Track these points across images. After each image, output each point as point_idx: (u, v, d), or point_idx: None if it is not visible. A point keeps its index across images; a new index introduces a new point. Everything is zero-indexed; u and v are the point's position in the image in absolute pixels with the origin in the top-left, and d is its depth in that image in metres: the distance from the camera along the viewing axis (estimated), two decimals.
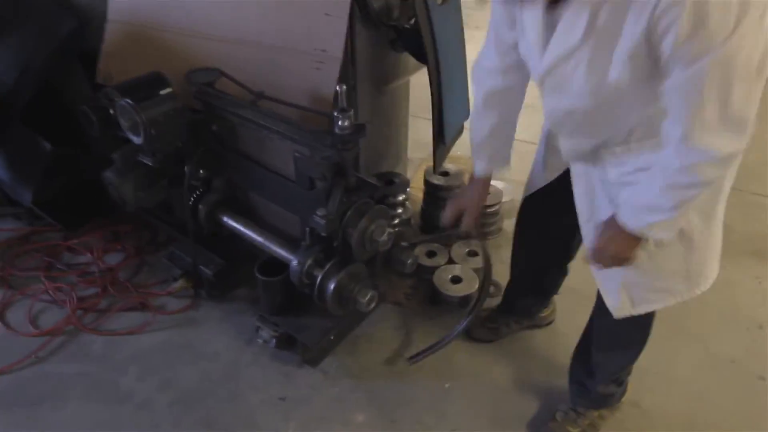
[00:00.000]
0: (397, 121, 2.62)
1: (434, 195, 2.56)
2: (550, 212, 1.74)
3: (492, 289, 2.41)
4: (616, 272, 1.43)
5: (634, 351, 1.72)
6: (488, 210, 2.61)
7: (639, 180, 1.31)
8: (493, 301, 2.26)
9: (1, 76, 2.47)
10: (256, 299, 2.26)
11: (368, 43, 2.16)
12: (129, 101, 1.81)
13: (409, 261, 1.94)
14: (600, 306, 1.59)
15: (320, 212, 1.70)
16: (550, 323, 2.25)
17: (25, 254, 2.55)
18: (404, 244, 1.97)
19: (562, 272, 2.04)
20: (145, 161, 1.96)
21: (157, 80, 1.97)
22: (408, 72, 2.43)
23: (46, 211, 2.56)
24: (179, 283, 2.30)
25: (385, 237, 1.78)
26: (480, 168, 1.67)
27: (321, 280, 1.79)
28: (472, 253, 2.49)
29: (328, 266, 1.79)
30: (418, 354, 2.05)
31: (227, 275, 2.26)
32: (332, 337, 2.13)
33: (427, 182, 2.57)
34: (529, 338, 2.23)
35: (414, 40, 2.15)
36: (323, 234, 1.75)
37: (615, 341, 1.68)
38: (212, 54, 2.17)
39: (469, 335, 2.21)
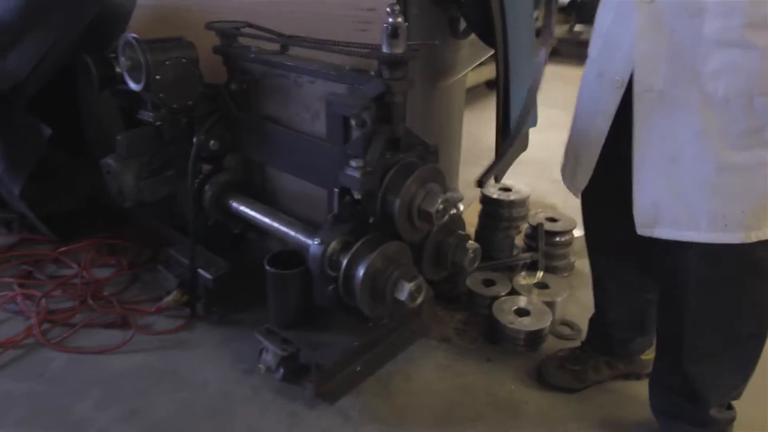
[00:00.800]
0: (450, 129, 2.23)
1: (492, 214, 2.10)
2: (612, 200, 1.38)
3: (569, 330, 1.87)
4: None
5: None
6: (557, 240, 2.12)
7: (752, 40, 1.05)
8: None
9: (14, 70, 2.26)
10: (265, 322, 1.76)
11: (423, 20, 1.84)
12: (134, 36, 1.49)
13: (470, 253, 1.44)
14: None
15: (355, 163, 1.27)
16: None
17: (5, 262, 2.16)
18: (461, 232, 1.49)
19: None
20: (145, 118, 1.59)
21: (176, 39, 1.67)
22: (468, 62, 2.08)
23: (38, 218, 2.21)
24: (172, 296, 1.84)
25: (439, 206, 1.31)
26: None
27: (348, 262, 1.31)
28: (541, 285, 1.97)
29: (357, 245, 1.32)
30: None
31: (230, 285, 1.79)
32: (358, 368, 1.59)
33: (485, 198, 2.12)
34: (623, 390, 1.64)
35: (479, 14, 1.82)
36: (357, 196, 1.31)
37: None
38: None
39: (543, 380, 1.64)
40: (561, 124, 4.39)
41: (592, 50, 1.42)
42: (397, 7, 1.22)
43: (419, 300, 1.32)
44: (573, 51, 6.54)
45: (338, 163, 1.36)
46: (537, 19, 2.24)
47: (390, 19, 1.21)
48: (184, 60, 1.57)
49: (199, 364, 1.72)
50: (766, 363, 1.36)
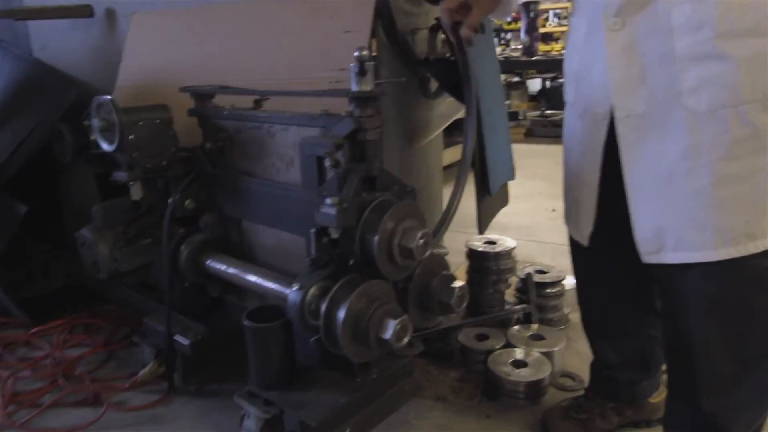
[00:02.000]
0: (430, 190, 2.24)
1: (479, 268, 2.05)
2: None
3: (571, 382, 1.77)
4: None
5: None
6: (549, 291, 2.07)
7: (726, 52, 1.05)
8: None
9: None
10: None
11: (395, 84, 1.89)
12: (109, 97, 1.50)
13: (457, 292, 1.38)
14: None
15: (330, 200, 1.24)
16: None
17: None
18: (446, 272, 1.43)
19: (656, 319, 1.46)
20: (119, 179, 1.57)
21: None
22: (442, 120, 2.12)
23: (12, 302, 2.13)
24: (148, 368, 1.74)
25: (419, 242, 1.27)
26: None
27: (328, 306, 1.25)
28: (537, 337, 1.89)
29: (336, 287, 1.26)
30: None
31: (209, 352, 1.69)
32: (348, 430, 1.47)
33: (471, 252, 2.08)
34: None
35: (448, 72, 1.88)
36: (335, 235, 1.27)
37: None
38: (221, 98, 1.93)
39: (547, 430, 1.52)
40: (542, 192, 4.48)
41: (568, 95, 1.43)
42: (364, 48, 1.25)
43: (406, 339, 1.25)
44: (545, 131, 6.84)
45: (314, 207, 1.33)
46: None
47: (357, 55, 1.23)
48: (157, 120, 1.58)
49: None
50: None
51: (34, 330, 2.08)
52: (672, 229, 1.18)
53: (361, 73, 1.28)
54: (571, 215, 1.46)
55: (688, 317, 1.22)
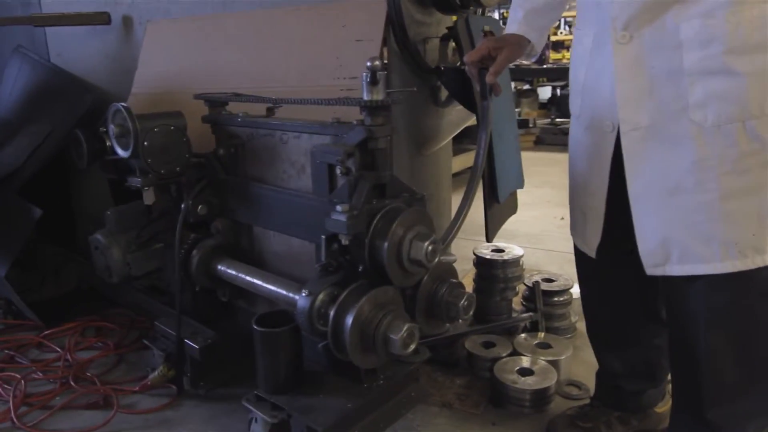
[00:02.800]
0: (439, 198, 2.25)
1: (487, 276, 2.06)
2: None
3: (577, 391, 1.77)
4: None
5: None
6: (556, 300, 2.07)
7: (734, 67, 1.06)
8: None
9: (9, 161, 2.33)
10: None
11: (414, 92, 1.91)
12: (124, 104, 1.53)
13: (464, 300, 1.39)
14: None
15: (340, 207, 1.26)
16: None
17: None
18: (454, 280, 1.44)
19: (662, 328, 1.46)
20: (133, 184, 1.60)
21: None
22: (452, 128, 2.14)
23: (25, 303, 2.16)
24: (158, 372, 1.75)
25: (428, 249, 1.29)
26: (513, 20, 1.43)
27: (336, 312, 1.26)
28: (544, 345, 1.89)
29: (345, 293, 1.28)
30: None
31: (218, 356, 1.71)
32: None
33: (478, 259, 2.09)
34: None
35: (458, 81, 1.90)
36: (345, 241, 1.28)
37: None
38: (234, 104, 1.96)
39: None
40: (551, 200, 4.47)
41: (574, 107, 1.43)
42: (376, 58, 1.27)
43: (412, 346, 1.26)
44: (555, 139, 6.84)
45: (325, 214, 1.34)
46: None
47: (369, 65, 1.25)
48: (172, 127, 1.60)
49: None
50: None
51: (47, 332, 2.11)
52: (678, 242, 1.19)
53: (373, 82, 1.30)
54: (577, 226, 1.47)
55: (693, 328, 1.23)
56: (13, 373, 1.88)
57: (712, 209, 1.14)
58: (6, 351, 2.04)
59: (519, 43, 1.43)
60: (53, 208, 2.39)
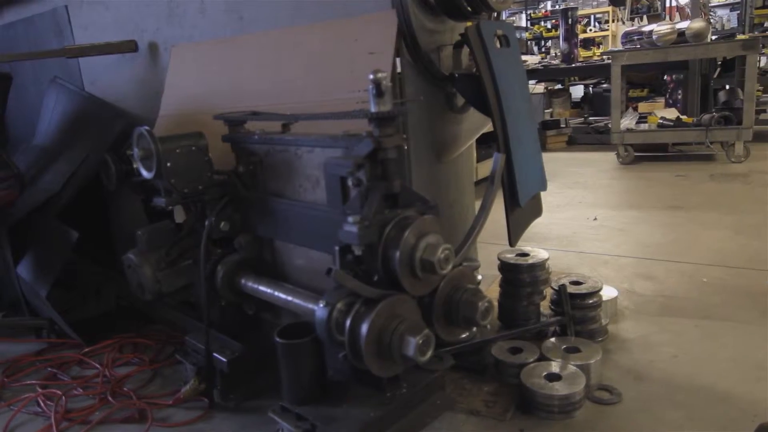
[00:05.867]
0: (461, 204, 2.25)
1: (512, 281, 2.04)
2: None
3: (608, 395, 1.74)
4: None
5: None
6: (585, 302, 2.03)
7: None
8: None
9: (48, 186, 2.44)
10: None
11: (422, 100, 1.93)
12: (147, 128, 1.60)
13: (481, 306, 1.39)
14: None
15: (352, 218, 1.28)
16: None
17: (30, 367, 2.18)
18: (471, 286, 1.44)
19: None
20: (158, 204, 1.66)
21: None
22: (470, 134, 2.14)
23: (65, 321, 2.26)
24: (189, 385, 1.81)
25: (440, 256, 1.29)
26: None
27: (352, 322, 1.28)
28: (572, 350, 1.86)
29: (359, 303, 1.29)
30: None
31: (246, 369, 1.75)
32: None
33: (502, 264, 2.07)
34: None
35: (473, 86, 1.90)
36: (358, 252, 1.31)
37: None
38: (254, 123, 2.01)
39: None
40: (583, 201, 4.40)
41: None
42: (379, 71, 1.29)
43: (429, 354, 1.26)
44: (588, 138, 6.72)
45: (339, 225, 1.37)
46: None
47: (372, 78, 1.27)
48: (193, 147, 1.66)
49: None
50: None
51: (87, 350, 2.20)
52: None
53: (379, 94, 1.32)
54: None
55: None
56: (55, 390, 1.96)
57: None
58: (49, 369, 2.14)
59: None
60: (93, 228, 2.51)
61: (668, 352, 1.98)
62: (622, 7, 9.75)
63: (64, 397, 1.89)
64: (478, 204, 2.37)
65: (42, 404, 1.90)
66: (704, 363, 1.89)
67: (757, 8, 9.50)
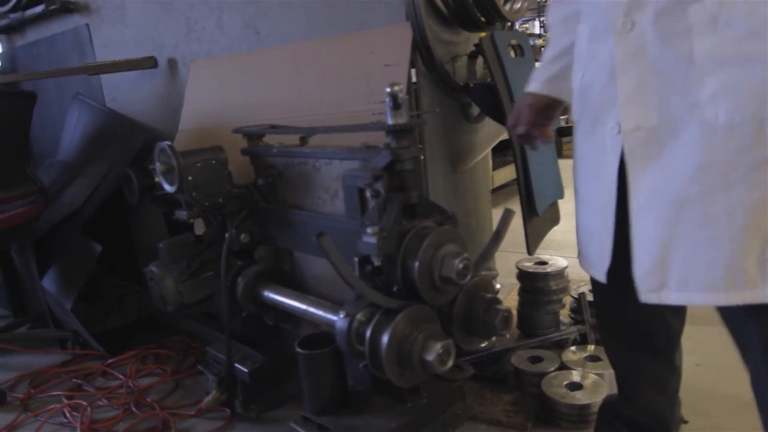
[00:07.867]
0: (478, 213, 2.26)
1: (531, 289, 2.04)
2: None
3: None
4: None
5: None
6: None
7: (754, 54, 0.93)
8: None
9: (71, 201, 2.50)
10: None
11: (437, 113, 1.94)
12: (168, 143, 1.63)
13: (500, 315, 1.39)
14: None
15: (370, 229, 1.29)
16: None
17: (56, 378, 2.22)
18: (490, 295, 1.45)
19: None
20: (180, 217, 1.69)
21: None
22: (486, 143, 2.15)
23: (92, 334, 2.30)
24: (211, 396, 1.82)
25: (459, 266, 1.30)
26: (536, 81, 1.36)
27: (372, 332, 1.29)
28: (593, 358, 1.85)
29: (379, 313, 1.30)
30: None
31: (267, 379, 1.77)
32: None
33: (521, 273, 2.07)
34: None
35: (488, 96, 1.92)
36: (377, 262, 1.32)
37: None
38: (272, 136, 2.04)
39: None
40: None
41: (574, 112, 1.27)
42: (395, 83, 1.31)
43: (450, 363, 1.27)
44: None
45: (358, 236, 1.38)
46: None
47: (388, 91, 1.29)
48: (213, 161, 1.69)
49: None
50: None
51: (111, 361, 2.23)
52: (677, 263, 1.03)
53: (395, 106, 1.33)
54: (584, 248, 1.31)
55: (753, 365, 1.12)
56: (80, 401, 1.99)
57: (718, 226, 0.98)
58: (74, 380, 2.18)
59: (538, 99, 1.37)
60: (115, 242, 2.55)
61: (691, 360, 1.95)
62: None
63: (89, 408, 1.93)
64: (495, 212, 2.38)
65: (68, 415, 1.93)
66: (728, 371, 1.87)
67: None
